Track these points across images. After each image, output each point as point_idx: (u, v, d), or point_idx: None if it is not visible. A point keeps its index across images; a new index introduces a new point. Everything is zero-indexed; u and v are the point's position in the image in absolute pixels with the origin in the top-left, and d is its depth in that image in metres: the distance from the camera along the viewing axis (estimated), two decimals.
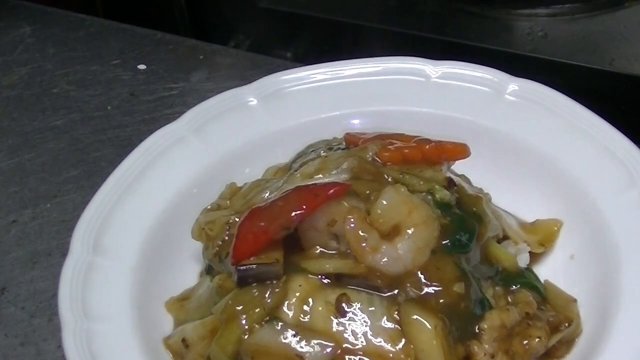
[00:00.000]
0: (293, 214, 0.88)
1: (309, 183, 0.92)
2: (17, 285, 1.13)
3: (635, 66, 1.39)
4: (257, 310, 0.87)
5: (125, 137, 1.36)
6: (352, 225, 0.87)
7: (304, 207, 0.89)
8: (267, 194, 0.99)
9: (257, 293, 0.88)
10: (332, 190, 0.89)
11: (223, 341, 0.87)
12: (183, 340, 0.93)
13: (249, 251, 0.90)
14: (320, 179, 0.93)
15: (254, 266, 0.89)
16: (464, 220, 0.92)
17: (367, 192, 0.91)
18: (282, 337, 0.86)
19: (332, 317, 0.87)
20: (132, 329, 0.93)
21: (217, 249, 0.98)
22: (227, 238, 0.97)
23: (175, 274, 1.04)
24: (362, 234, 0.87)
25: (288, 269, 0.89)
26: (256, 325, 0.87)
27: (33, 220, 1.23)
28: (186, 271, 1.05)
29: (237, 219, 0.97)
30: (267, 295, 0.87)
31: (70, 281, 0.95)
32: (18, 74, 1.53)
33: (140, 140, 1.12)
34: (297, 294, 0.88)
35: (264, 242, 0.90)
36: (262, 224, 0.90)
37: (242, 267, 0.90)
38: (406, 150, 0.97)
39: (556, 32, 1.49)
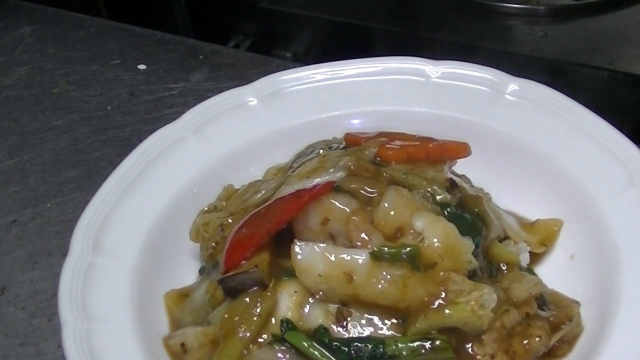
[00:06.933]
0: (278, 216, 0.90)
1: (301, 185, 0.93)
2: (17, 285, 1.13)
3: (635, 66, 1.39)
4: (254, 319, 0.87)
5: (125, 137, 1.36)
6: (356, 226, 0.88)
7: (289, 209, 0.90)
8: (262, 194, 0.99)
9: (249, 301, 0.89)
10: (315, 189, 0.90)
11: (224, 357, 0.88)
12: (182, 344, 0.94)
13: (237, 261, 0.91)
14: (316, 178, 0.93)
15: (234, 276, 0.90)
16: (470, 223, 0.92)
17: (366, 190, 0.91)
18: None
19: (331, 324, 0.87)
20: (131, 328, 0.93)
21: (212, 250, 0.99)
22: (220, 240, 0.97)
23: (175, 273, 1.04)
24: (365, 235, 0.87)
25: (281, 274, 0.90)
26: (255, 346, 0.87)
27: (33, 220, 1.23)
28: (186, 271, 1.05)
29: (230, 221, 0.98)
30: (258, 303, 0.88)
31: (70, 281, 0.95)
32: (18, 74, 1.53)
33: (140, 140, 1.12)
34: (294, 299, 0.88)
35: (250, 249, 0.91)
36: (247, 230, 0.91)
37: (223, 281, 0.91)
38: (410, 149, 0.97)
39: (556, 32, 1.49)
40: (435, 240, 0.86)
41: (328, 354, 0.84)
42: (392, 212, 0.88)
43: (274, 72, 1.20)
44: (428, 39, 1.52)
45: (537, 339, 0.89)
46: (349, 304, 0.87)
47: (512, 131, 1.09)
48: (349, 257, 0.86)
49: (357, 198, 0.90)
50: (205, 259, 1.02)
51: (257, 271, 0.89)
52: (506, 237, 1.01)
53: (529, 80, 1.13)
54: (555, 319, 0.92)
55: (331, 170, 0.94)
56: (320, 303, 0.88)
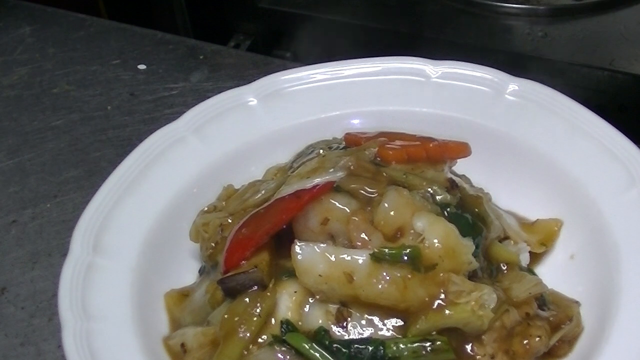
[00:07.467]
0: (277, 217, 0.90)
1: (301, 186, 0.93)
2: (17, 285, 1.13)
3: (635, 66, 1.39)
4: (254, 320, 0.87)
5: (125, 137, 1.36)
6: (356, 226, 0.88)
7: (288, 209, 0.90)
8: (262, 194, 0.99)
9: (248, 301, 0.89)
10: (315, 190, 0.90)
11: (223, 357, 0.88)
12: (182, 345, 0.94)
13: (237, 262, 0.91)
14: (316, 178, 0.93)
15: (234, 276, 0.90)
16: (470, 224, 0.92)
17: (366, 190, 0.91)
18: None
19: (331, 325, 0.87)
20: (131, 328, 0.93)
21: (212, 250, 0.99)
22: (220, 240, 0.97)
23: (175, 274, 1.04)
24: (365, 236, 0.87)
25: (281, 274, 0.90)
26: (255, 347, 0.87)
27: (33, 220, 1.23)
28: (186, 271, 1.05)
29: (230, 221, 0.98)
30: (257, 303, 0.88)
31: (70, 281, 0.95)
32: (18, 74, 1.53)
33: (140, 140, 1.12)
34: (293, 299, 0.88)
35: (250, 250, 0.91)
36: (246, 231, 0.92)
37: (223, 281, 0.91)
38: (410, 149, 0.97)
39: (556, 32, 1.49)
40: (436, 241, 0.86)
41: (328, 356, 0.84)
42: (392, 213, 0.88)
43: (274, 72, 1.20)
44: (428, 39, 1.52)
45: (537, 339, 0.89)
46: (349, 304, 0.87)
47: (512, 131, 1.09)
48: (349, 258, 0.86)
49: (357, 198, 0.90)
50: (205, 259, 1.02)
51: (257, 271, 0.90)
52: (506, 237, 1.01)
53: (529, 80, 1.13)
54: (555, 319, 0.92)
55: (331, 170, 0.94)
56: (320, 303, 0.88)
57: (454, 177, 0.99)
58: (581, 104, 1.08)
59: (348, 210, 0.89)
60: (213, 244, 0.99)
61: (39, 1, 1.72)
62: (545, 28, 1.50)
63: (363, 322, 0.87)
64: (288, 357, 0.86)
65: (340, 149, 1.02)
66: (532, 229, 1.05)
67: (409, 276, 0.85)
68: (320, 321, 0.87)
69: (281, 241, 0.92)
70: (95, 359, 0.88)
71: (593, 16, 1.51)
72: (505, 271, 0.95)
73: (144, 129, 1.34)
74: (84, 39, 1.60)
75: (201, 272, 1.04)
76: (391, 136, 1.01)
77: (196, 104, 1.17)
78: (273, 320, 0.88)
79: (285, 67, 1.23)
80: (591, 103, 1.09)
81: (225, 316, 0.89)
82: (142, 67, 1.51)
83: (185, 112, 1.16)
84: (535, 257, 1.03)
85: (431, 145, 0.98)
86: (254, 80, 1.19)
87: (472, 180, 1.05)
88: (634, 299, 0.89)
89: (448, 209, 0.92)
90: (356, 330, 0.87)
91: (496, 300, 0.87)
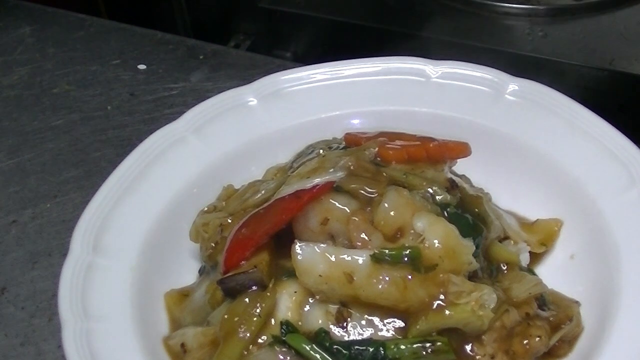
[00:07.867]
0: (277, 217, 0.90)
1: (301, 186, 0.93)
2: (17, 285, 1.13)
3: (635, 66, 1.39)
4: (254, 320, 0.87)
5: (125, 137, 1.36)
6: (356, 226, 0.88)
7: (288, 209, 0.90)
8: (262, 194, 0.99)
9: (248, 301, 0.89)
10: (314, 190, 0.90)
11: (223, 357, 0.88)
12: (182, 345, 0.94)
13: (237, 262, 0.91)
14: (316, 178, 0.93)
15: (234, 277, 0.90)
16: (470, 224, 0.92)
17: (366, 190, 0.91)
18: None
19: (331, 325, 0.87)
20: (132, 328, 0.93)
21: (211, 250, 0.99)
22: (220, 240, 0.97)
23: (175, 274, 1.04)
24: (365, 236, 0.87)
25: (281, 275, 0.90)
26: (255, 347, 0.87)
27: (33, 220, 1.23)
28: (186, 271, 1.06)
29: (230, 221, 0.98)
30: (257, 304, 0.88)
31: (70, 281, 0.95)
32: (18, 74, 1.53)
33: (140, 140, 1.12)
34: (293, 299, 0.88)
35: (250, 250, 0.91)
36: (246, 231, 0.92)
37: (222, 281, 0.91)
38: (411, 149, 0.97)
39: (556, 32, 1.49)
40: (436, 241, 0.86)
41: (329, 358, 0.84)
42: (392, 213, 0.88)
43: (274, 72, 1.20)
44: (428, 39, 1.52)
45: (537, 339, 0.89)
46: (349, 304, 0.87)
47: (512, 131, 1.09)
48: (349, 258, 0.86)
49: (357, 198, 0.91)
50: (205, 259, 1.02)
51: (257, 271, 0.90)
52: (506, 237, 1.01)
53: (529, 80, 1.13)
54: (555, 319, 0.92)
55: (331, 170, 0.94)
56: (320, 304, 0.88)
57: (454, 177, 0.99)
58: (581, 104, 1.08)
59: (348, 210, 0.90)
60: (213, 244, 0.99)
61: (39, 1, 1.72)
62: (545, 28, 1.50)
63: (363, 322, 0.87)
64: (288, 357, 0.86)
65: (340, 149, 1.02)
66: (532, 229, 1.05)
67: (409, 276, 0.85)
68: (320, 321, 0.87)
69: (281, 241, 0.92)
70: (95, 359, 0.88)
71: (593, 16, 1.51)
72: (505, 271, 0.95)
73: (144, 129, 1.35)
74: (84, 39, 1.60)
75: (201, 272, 1.04)
76: (391, 136, 1.01)
77: (196, 104, 1.17)
78: (273, 321, 0.88)
79: (285, 67, 1.23)
80: (591, 103, 1.09)
81: (225, 316, 0.89)
82: (142, 67, 1.51)
83: (185, 112, 1.16)
84: (535, 257, 1.03)
85: (431, 145, 0.98)
86: (254, 80, 1.19)
87: (472, 180, 1.05)
88: (634, 299, 0.89)
89: (448, 209, 0.92)
90: (356, 330, 0.87)
91: (496, 300, 0.87)
